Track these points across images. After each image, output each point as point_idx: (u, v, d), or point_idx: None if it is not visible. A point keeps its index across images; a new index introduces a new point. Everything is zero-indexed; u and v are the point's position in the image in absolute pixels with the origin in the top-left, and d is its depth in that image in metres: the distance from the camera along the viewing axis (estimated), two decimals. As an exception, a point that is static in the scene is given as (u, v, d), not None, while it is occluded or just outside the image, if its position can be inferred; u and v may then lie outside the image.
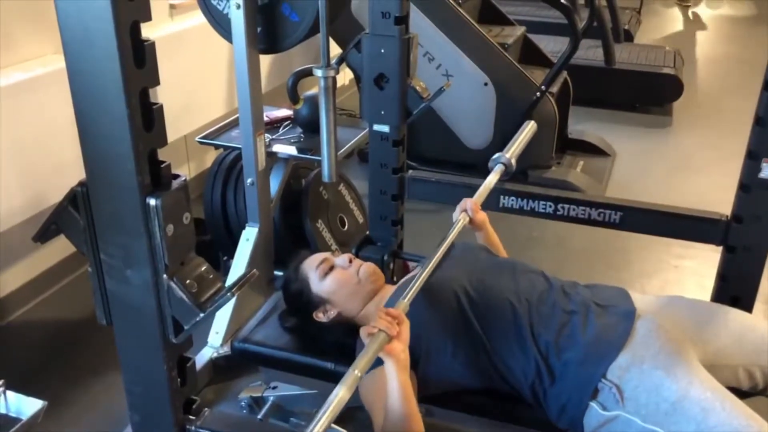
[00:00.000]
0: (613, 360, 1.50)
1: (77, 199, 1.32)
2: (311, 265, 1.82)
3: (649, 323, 1.57)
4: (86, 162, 1.25)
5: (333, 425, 2.02)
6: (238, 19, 2.08)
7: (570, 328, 1.58)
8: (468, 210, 1.87)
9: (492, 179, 2.00)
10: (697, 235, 2.15)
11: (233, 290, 1.35)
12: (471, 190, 2.00)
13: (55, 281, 2.84)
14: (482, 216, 1.93)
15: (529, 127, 2.18)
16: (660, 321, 1.59)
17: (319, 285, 1.78)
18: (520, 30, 4.21)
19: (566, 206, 2.23)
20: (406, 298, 1.47)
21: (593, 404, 1.49)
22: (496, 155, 2.04)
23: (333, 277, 1.78)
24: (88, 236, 1.34)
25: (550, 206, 2.25)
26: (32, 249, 2.70)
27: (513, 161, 2.04)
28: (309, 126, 2.64)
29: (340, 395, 1.18)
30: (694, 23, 8.26)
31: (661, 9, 8.68)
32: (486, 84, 3.53)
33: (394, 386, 1.40)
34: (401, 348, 1.40)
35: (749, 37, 7.28)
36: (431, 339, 1.60)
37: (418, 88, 2.04)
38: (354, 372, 1.23)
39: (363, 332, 1.38)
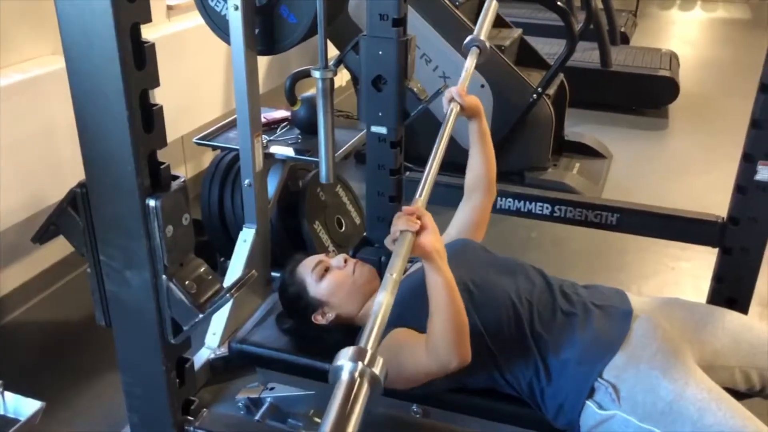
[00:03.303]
0: (610, 360, 1.51)
1: (77, 200, 1.33)
2: (307, 269, 1.81)
3: (646, 323, 1.58)
4: (86, 163, 1.25)
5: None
6: (236, 20, 2.09)
7: (569, 328, 1.59)
8: (456, 97, 1.78)
9: (470, 63, 1.93)
10: (694, 236, 2.16)
11: (232, 291, 1.36)
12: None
13: (53, 281, 2.84)
14: (473, 100, 1.83)
15: (493, 5, 2.11)
16: (657, 321, 1.60)
17: (316, 288, 1.78)
18: (516, 32, 4.22)
19: (563, 208, 2.24)
20: (422, 196, 1.39)
21: (590, 403, 1.49)
22: (469, 38, 1.97)
23: (330, 279, 1.78)
24: (88, 237, 1.35)
25: (547, 208, 2.25)
26: (30, 249, 2.69)
27: (486, 42, 1.97)
28: (307, 127, 2.64)
29: (384, 301, 1.07)
30: (690, 26, 8.29)
31: (657, 12, 8.71)
32: (483, 86, 3.54)
33: (439, 282, 1.35)
34: (433, 238, 1.33)
35: (744, 40, 7.30)
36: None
37: (415, 89, 2.04)
38: (391, 275, 1.13)
39: (387, 242, 1.30)
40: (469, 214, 1.96)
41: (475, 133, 1.91)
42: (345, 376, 0.90)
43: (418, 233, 1.30)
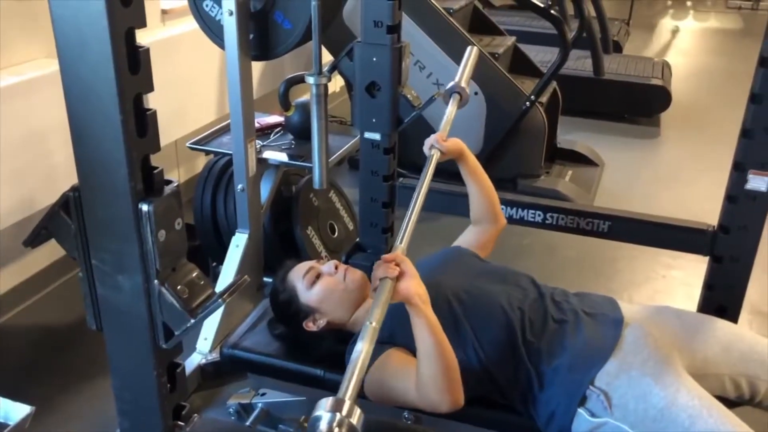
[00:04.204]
0: (602, 367, 1.51)
1: (69, 203, 1.32)
2: (298, 275, 1.81)
3: (637, 331, 1.59)
4: (79, 167, 1.25)
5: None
6: (230, 25, 2.09)
7: (560, 335, 1.59)
8: (435, 143, 1.81)
9: (452, 109, 1.95)
10: (685, 245, 2.17)
11: (224, 296, 1.35)
12: (461, 198, 2.01)
13: (45, 285, 2.83)
14: (454, 143, 1.86)
15: (473, 53, 2.12)
16: (648, 329, 1.60)
17: (307, 295, 1.78)
18: (510, 40, 4.23)
19: (555, 215, 2.25)
20: (402, 242, 1.42)
21: (581, 411, 1.49)
22: (450, 85, 1.99)
23: (320, 286, 1.77)
24: (80, 241, 1.34)
25: (539, 215, 2.26)
26: (21, 253, 2.68)
27: (467, 88, 1.99)
28: (300, 133, 2.64)
29: (363, 350, 1.11)
30: (682, 35, 8.34)
31: (650, 21, 8.76)
32: (476, 93, 3.55)
33: (423, 325, 1.37)
34: (412, 283, 1.35)
35: (736, 50, 7.35)
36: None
37: (409, 96, 2.05)
38: (371, 324, 1.16)
39: (369, 291, 1.34)
40: (475, 238, 1.98)
41: (465, 172, 1.94)
42: (324, 427, 0.94)
43: (397, 279, 1.33)
